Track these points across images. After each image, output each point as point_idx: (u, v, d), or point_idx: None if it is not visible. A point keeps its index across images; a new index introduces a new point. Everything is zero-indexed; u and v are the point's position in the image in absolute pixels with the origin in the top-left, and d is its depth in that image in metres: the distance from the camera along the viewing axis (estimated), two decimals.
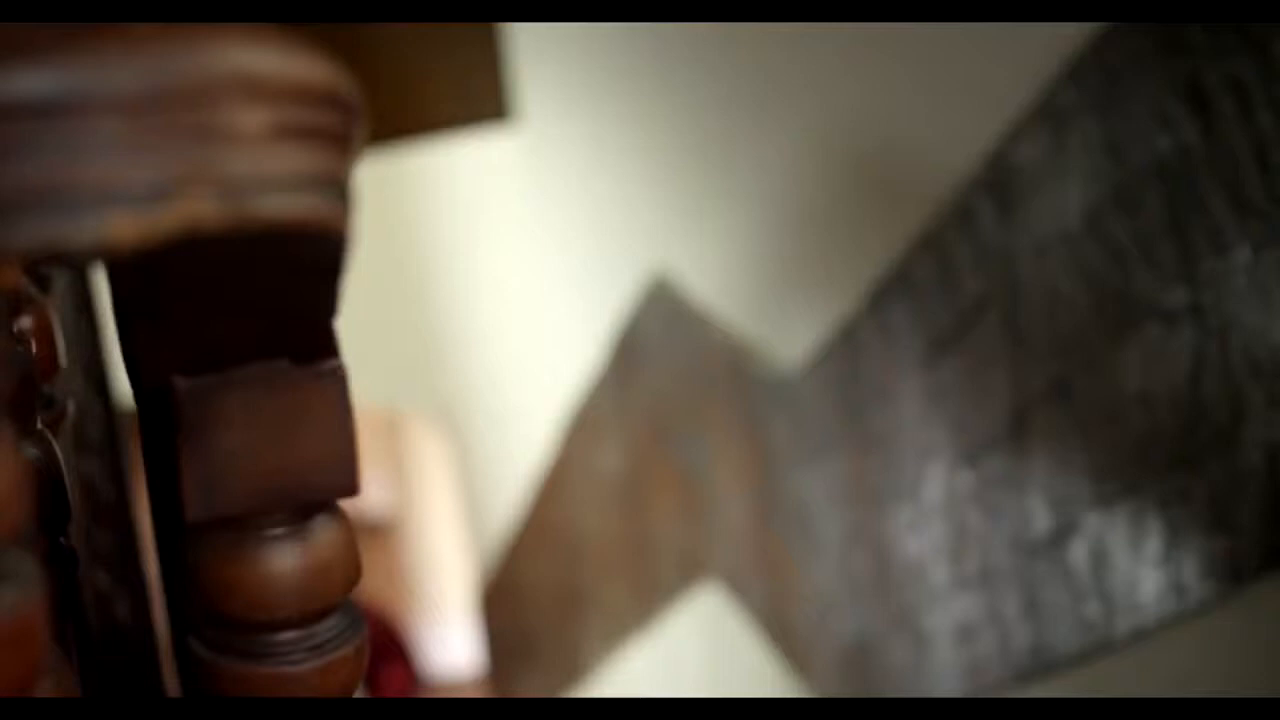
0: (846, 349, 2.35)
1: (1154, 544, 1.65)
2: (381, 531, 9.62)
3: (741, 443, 2.96)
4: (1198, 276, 1.48)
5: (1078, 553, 1.82)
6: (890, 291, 2.17)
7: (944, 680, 2.24)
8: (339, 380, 0.59)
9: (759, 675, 3.13)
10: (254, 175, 0.48)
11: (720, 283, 3.06)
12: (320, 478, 0.61)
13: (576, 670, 5.04)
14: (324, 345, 0.59)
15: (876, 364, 2.26)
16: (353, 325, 6.95)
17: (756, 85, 2.62)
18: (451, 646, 8.41)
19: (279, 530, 0.62)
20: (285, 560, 0.62)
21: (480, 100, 4.52)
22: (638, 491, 3.89)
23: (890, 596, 2.37)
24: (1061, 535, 1.84)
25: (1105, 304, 1.64)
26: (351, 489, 0.62)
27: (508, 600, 6.40)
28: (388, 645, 5.80)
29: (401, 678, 5.86)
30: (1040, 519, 1.88)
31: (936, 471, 2.13)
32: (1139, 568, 1.69)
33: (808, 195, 2.55)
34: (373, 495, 9.96)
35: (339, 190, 0.49)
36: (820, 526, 2.61)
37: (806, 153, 2.50)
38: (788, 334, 2.68)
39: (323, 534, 0.63)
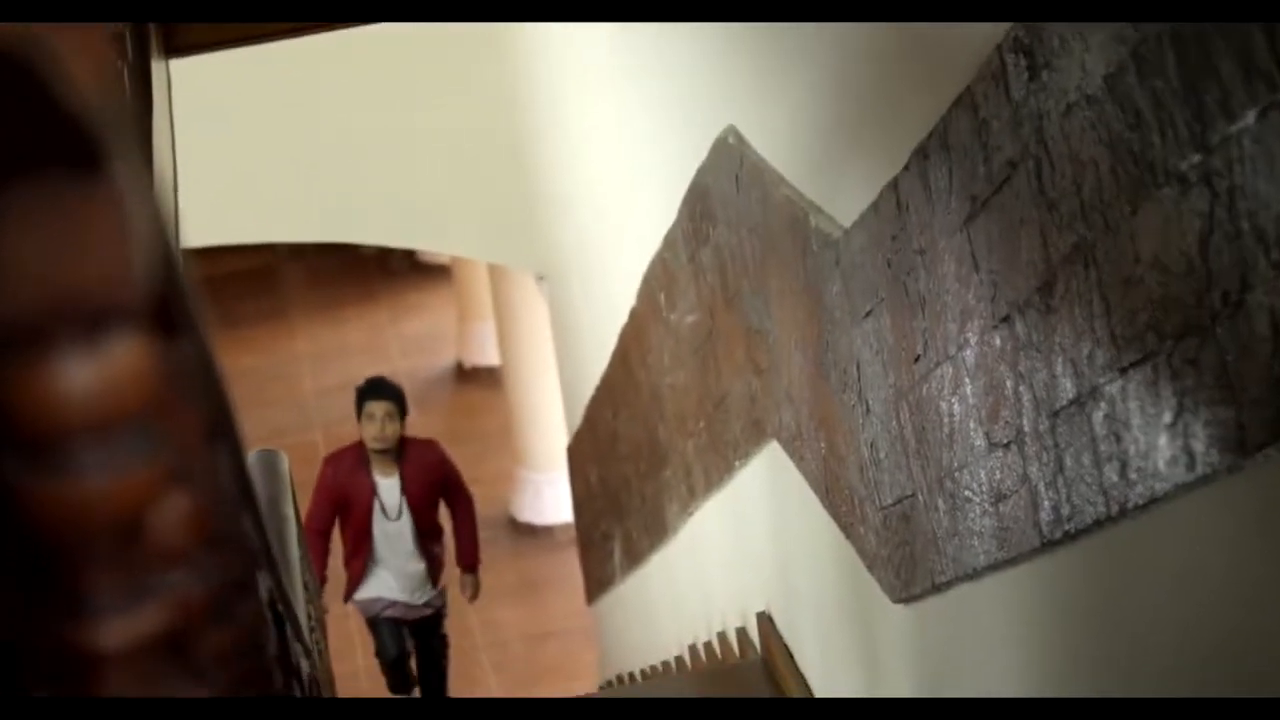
0: (893, 209, 2.34)
1: (1166, 412, 1.63)
2: (492, 380, 9.81)
3: (801, 300, 2.96)
4: (1209, 142, 1.45)
5: (1098, 419, 1.80)
6: (931, 151, 2.14)
7: (976, 545, 2.24)
8: (114, 195, 0.59)
9: (815, 535, 3.16)
10: None
11: (784, 143, 3.04)
12: (100, 291, 0.61)
13: (653, 523, 5.09)
14: (93, 159, 0.59)
15: (920, 224, 2.24)
16: (457, 187, 7.03)
17: None
18: (543, 494, 8.59)
19: (65, 343, 0.62)
20: (73, 372, 0.63)
21: None
22: (711, 349, 3.90)
23: (929, 459, 2.37)
24: (1084, 401, 1.83)
25: (1125, 168, 1.62)
26: (129, 304, 0.62)
27: (592, 452, 6.47)
28: (453, 484, 5.88)
29: (461, 514, 5.93)
30: (1065, 384, 1.87)
31: (973, 333, 2.12)
32: (1153, 435, 1.68)
33: (861, 57, 2.52)
34: (483, 346, 10.15)
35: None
36: (869, 387, 2.60)
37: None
38: (843, 194, 2.66)
39: (114, 349, 0.63)
